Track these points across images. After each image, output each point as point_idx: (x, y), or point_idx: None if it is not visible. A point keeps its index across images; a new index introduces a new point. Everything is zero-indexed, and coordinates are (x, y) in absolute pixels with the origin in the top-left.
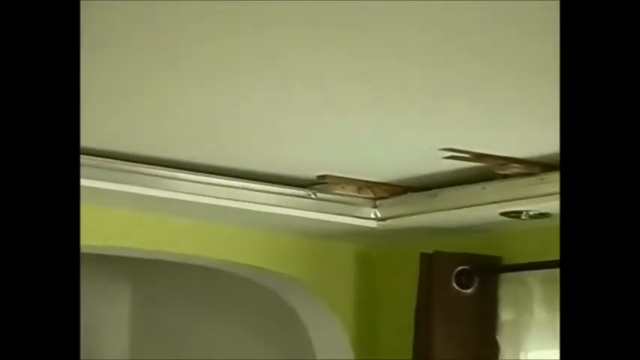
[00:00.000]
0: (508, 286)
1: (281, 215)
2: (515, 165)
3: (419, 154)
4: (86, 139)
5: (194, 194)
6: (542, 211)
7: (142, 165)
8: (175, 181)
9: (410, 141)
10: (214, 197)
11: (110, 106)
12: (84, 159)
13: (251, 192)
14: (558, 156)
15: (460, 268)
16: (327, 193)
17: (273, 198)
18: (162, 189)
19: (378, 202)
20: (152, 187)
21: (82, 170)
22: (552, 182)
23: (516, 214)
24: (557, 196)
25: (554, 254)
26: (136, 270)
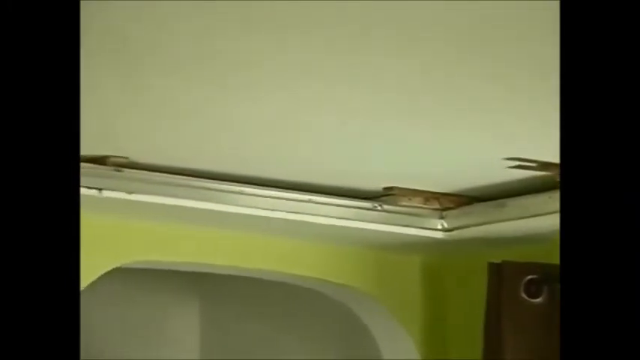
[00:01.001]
0: None
1: (347, 228)
2: None
3: (485, 164)
4: (156, 157)
5: (261, 209)
6: None
7: (210, 181)
8: (243, 196)
9: (475, 151)
10: (281, 211)
11: (176, 123)
12: (152, 176)
13: (317, 205)
14: None
15: (529, 277)
16: (393, 204)
17: (339, 211)
18: (230, 204)
19: (444, 213)
20: (220, 202)
21: (152, 188)
22: None
23: None
24: None
25: None
26: (206, 285)
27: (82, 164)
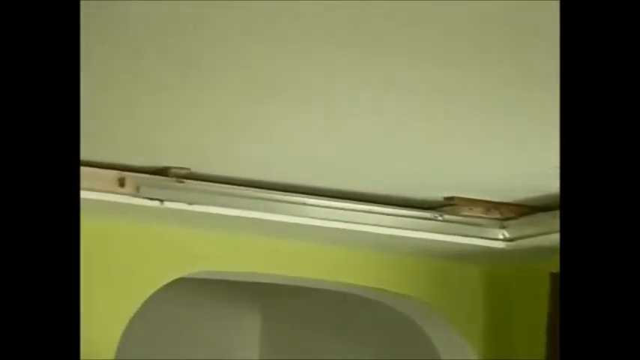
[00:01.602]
0: None
1: (408, 238)
2: None
3: (545, 173)
4: (217, 168)
5: (324, 219)
6: None
7: (272, 192)
8: (305, 207)
9: (536, 161)
10: (343, 222)
11: (236, 134)
12: (213, 187)
13: (377, 215)
14: None
15: None
16: (454, 214)
17: (400, 221)
18: (292, 215)
19: (505, 223)
20: (282, 213)
21: (213, 198)
22: None
23: None
24: None
25: None
26: (266, 295)
27: (144, 175)
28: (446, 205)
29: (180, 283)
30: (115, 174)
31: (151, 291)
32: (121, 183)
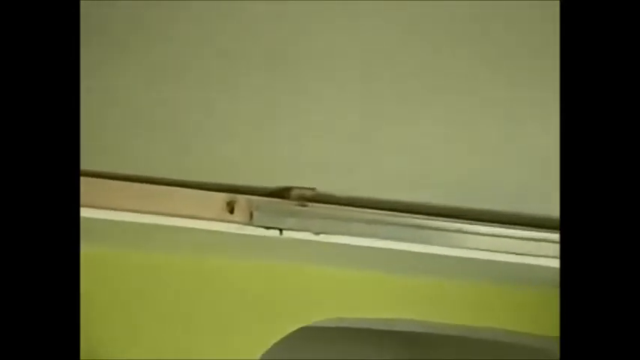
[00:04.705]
0: None
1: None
2: None
3: None
4: (348, 188)
5: (485, 250)
6: None
7: (423, 217)
8: (463, 235)
9: None
10: (512, 253)
11: (368, 150)
12: (344, 211)
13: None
14: None
15: None
16: None
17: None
18: (443, 245)
19: None
20: (436, 243)
21: (343, 226)
22: None
23: None
24: None
25: None
26: (411, 342)
27: (259, 198)
28: None
29: (303, 331)
30: (222, 197)
31: (269, 344)
32: (231, 208)
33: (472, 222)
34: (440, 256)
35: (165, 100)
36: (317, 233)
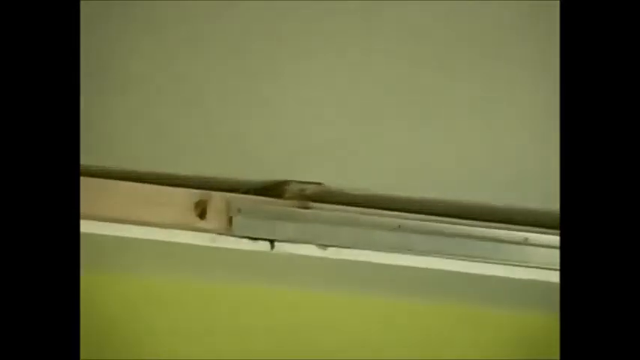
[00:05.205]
0: None
1: None
2: None
3: None
4: (377, 184)
5: (546, 267)
6: None
7: (470, 222)
8: (523, 247)
9: None
10: None
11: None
12: (368, 215)
13: None
14: None
15: None
16: None
17: None
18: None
19: None
20: (486, 258)
21: (372, 236)
22: None
23: None
24: None
25: None
26: None
27: (242, 196)
28: None
29: None
30: (189, 195)
31: None
32: (200, 211)
33: (538, 230)
34: (502, 278)
35: None
36: (324, 246)
